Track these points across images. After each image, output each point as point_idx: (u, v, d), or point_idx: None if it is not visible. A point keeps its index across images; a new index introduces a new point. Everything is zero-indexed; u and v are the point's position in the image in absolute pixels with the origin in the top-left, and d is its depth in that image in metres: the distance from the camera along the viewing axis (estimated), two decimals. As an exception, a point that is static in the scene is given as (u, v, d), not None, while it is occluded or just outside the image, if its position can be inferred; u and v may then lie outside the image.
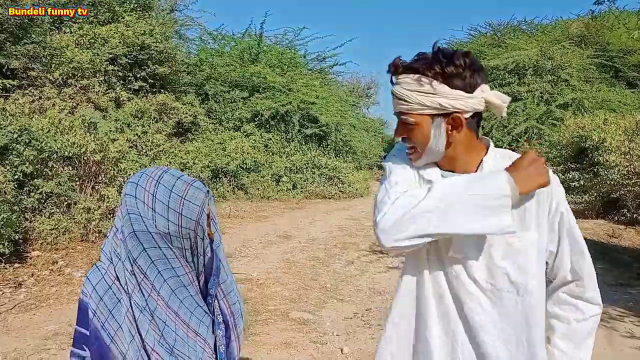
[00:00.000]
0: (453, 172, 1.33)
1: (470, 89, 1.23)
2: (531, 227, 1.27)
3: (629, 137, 10.42)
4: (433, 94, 1.23)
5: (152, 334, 1.26)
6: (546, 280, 1.35)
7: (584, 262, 1.33)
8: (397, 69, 1.28)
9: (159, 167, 1.31)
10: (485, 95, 1.25)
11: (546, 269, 1.35)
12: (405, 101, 1.26)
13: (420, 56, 1.27)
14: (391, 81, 1.31)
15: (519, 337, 1.27)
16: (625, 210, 10.14)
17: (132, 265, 1.26)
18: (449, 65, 1.22)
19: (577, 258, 1.33)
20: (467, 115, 1.25)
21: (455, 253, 1.29)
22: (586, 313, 1.35)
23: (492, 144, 1.35)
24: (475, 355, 1.30)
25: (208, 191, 1.29)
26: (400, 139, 1.34)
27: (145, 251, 1.25)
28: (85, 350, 1.29)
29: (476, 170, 1.31)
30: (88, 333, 1.29)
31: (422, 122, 1.26)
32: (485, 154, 1.33)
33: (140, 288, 1.26)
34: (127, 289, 1.26)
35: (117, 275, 1.28)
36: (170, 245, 1.25)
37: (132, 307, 1.26)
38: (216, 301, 1.38)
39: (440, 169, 1.34)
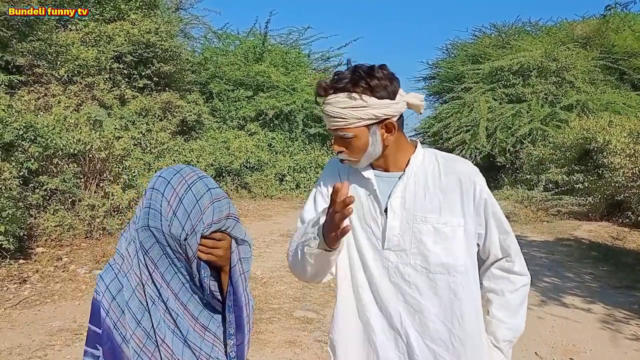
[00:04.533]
0: (387, 170, 1.49)
1: (392, 95, 1.39)
2: (457, 213, 1.43)
3: (634, 139, 10.39)
4: (365, 107, 1.36)
5: (165, 324, 1.26)
6: (479, 260, 1.51)
7: (510, 239, 1.50)
8: (326, 90, 1.40)
9: (194, 170, 1.28)
10: (405, 98, 1.42)
11: (478, 250, 1.51)
12: (342, 118, 1.38)
13: (340, 76, 1.40)
14: (316, 102, 1.48)
15: (454, 313, 1.42)
16: (630, 213, 10.10)
17: (144, 257, 1.26)
18: (372, 79, 1.36)
19: (504, 237, 1.50)
20: (396, 119, 1.41)
21: (391, 245, 1.44)
22: (517, 284, 1.52)
23: (419, 144, 1.51)
24: (417, 338, 1.43)
25: (228, 216, 1.25)
26: (337, 151, 1.47)
27: (158, 244, 1.25)
28: (98, 350, 1.29)
29: (405, 167, 1.46)
30: (100, 332, 1.28)
31: (359, 134, 1.40)
32: (414, 152, 1.48)
33: (152, 279, 1.26)
34: (142, 279, 1.26)
35: (131, 266, 1.28)
36: (178, 249, 1.25)
37: (146, 299, 1.25)
38: (232, 315, 1.36)
39: (375, 170, 1.50)
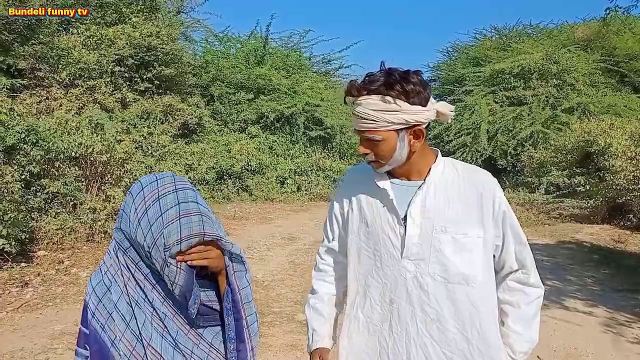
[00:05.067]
0: (408, 179, 1.47)
1: (425, 102, 1.37)
2: (476, 224, 1.43)
3: (635, 142, 10.39)
4: (398, 111, 1.35)
5: (152, 326, 1.24)
6: (494, 271, 1.51)
7: (527, 252, 1.50)
8: (359, 91, 1.38)
9: (175, 181, 1.23)
10: (436, 107, 1.41)
11: (494, 261, 1.50)
12: (373, 120, 1.37)
13: (372, 77, 1.37)
14: (345, 101, 1.44)
15: (473, 324, 1.42)
16: (631, 216, 10.10)
17: (124, 257, 1.24)
18: (408, 84, 1.34)
19: (521, 249, 1.49)
20: (424, 126, 1.40)
21: (409, 254, 1.43)
22: (532, 296, 1.51)
23: (439, 154, 1.51)
24: (434, 346, 1.42)
25: (204, 234, 1.16)
26: (363, 153, 1.46)
27: (133, 247, 1.24)
28: (87, 350, 1.28)
29: (426, 176, 1.45)
30: (88, 333, 1.28)
31: (388, 138, 1.38)
32: (434, 162, 1.47)
33: (135, 280, 1.24)
34: (124, 280, 1.24)
35: (118, 267, 1.26)
36: (145, 258, 1.23)
37: (130, 301, 1.23)
38: (231, 318, 1.34)
39: (397, 178, 1.49)
